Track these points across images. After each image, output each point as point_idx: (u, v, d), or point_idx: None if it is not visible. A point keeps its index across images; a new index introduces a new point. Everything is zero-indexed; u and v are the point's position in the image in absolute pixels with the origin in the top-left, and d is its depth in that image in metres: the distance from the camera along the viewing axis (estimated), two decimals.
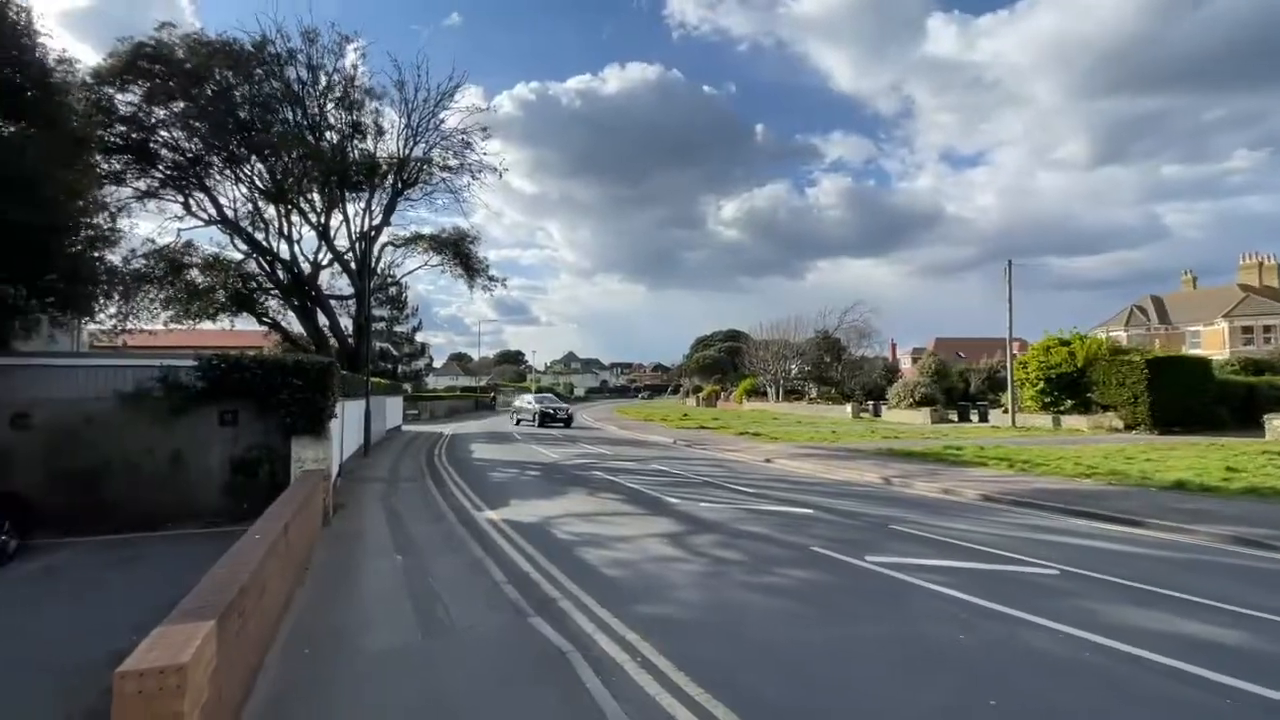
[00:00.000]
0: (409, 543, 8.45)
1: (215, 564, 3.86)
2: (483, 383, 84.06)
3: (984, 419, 32.64)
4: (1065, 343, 27.98)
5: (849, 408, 39.96)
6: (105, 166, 17.00)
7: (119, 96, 17.63)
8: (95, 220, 12.14)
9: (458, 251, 25.53)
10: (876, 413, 38.95)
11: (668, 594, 6.24)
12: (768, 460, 17.62)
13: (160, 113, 18.21)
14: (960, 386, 41.34)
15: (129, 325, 19.27)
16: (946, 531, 8.80)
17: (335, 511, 10.11)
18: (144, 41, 17.44)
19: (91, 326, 17.62)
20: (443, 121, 22.73)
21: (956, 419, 34.00)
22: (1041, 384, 28.10)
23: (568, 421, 32.56)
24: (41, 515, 8.43)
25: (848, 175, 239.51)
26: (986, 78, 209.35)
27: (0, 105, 9.68)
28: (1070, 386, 27.15)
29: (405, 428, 32.93)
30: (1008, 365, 30.95)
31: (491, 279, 26.73)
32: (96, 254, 12.09)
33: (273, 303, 23.68)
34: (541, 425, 31.70)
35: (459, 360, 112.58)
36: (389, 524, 9.71)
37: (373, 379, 21.36)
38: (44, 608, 6.14)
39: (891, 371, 50.91)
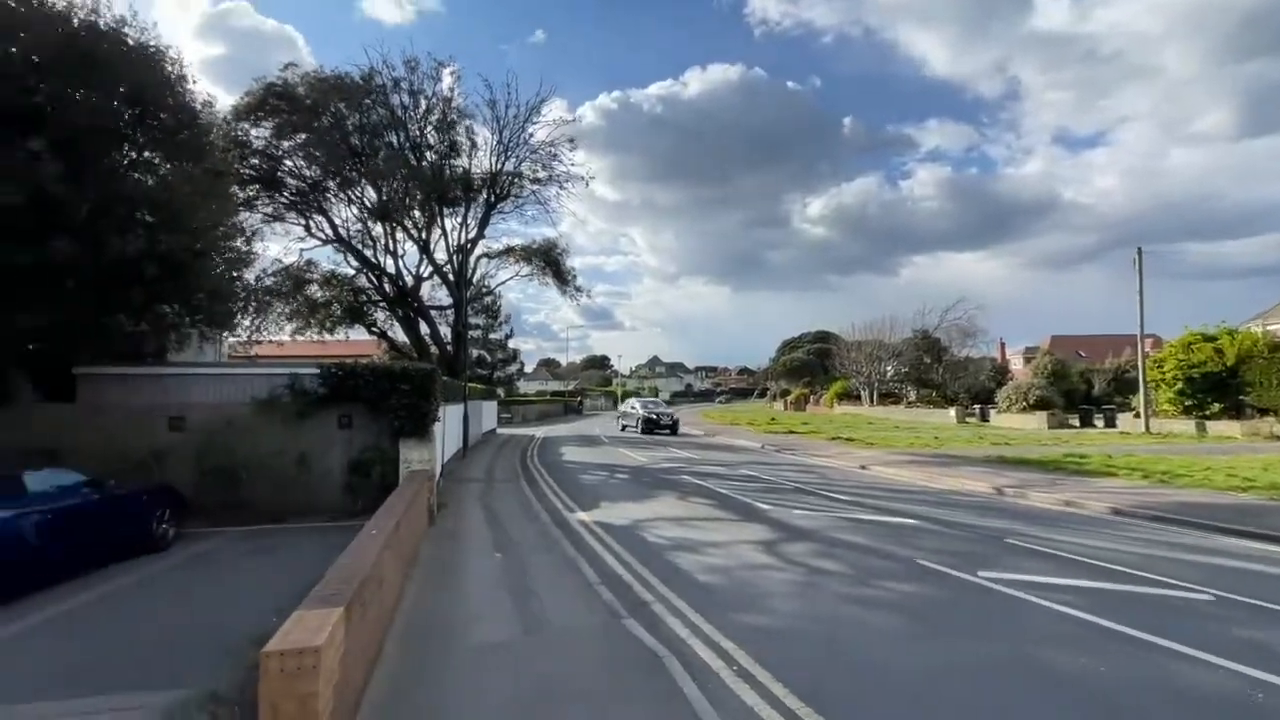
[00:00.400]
0: (507, 541, 8.78)
1: (340, 556, 4.17)
2: (570, 387, 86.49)
3: (1110, 424, 29.67)
4: (1211, 338, 24.90)
5: (952, 412, 37.56)
6: (241, 194, 18.98)
7: (253, 131, 19.68)
8: (233, 244, 13.56)
9: (547, 260, 26.37)
10: (984, 417, 36.36)
11: (763, 602, 6.09)
12: (863, 467, 16.86)
13: (286, 144, 20.14)
14: (1081, 388, 37.87)
15: (260, 337, 21.39)
16: (1072, 547, 8.02)
17: (439, 510, 10.69)
18: (273, 82, 19.38)
19: (230, 339, 19.71)
20: (531, 135, 23.61)
21: (1078, 424, 31.13)
22: (1181, 385, 25.17)
23: (673, 428, 30.44)
24: (193, 507, 9.47)
25: (946, 165, 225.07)
26: (1104, 50, 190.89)
27: (161, 146, 11.04)
28: (1217, 387, 24.13)
29: (499, 430, 34.39)
30: (1139, 364, 27.88)
31: (578, 289, 27.43)
32: (235, 274, 13.48)
33: (380, 314, 25.47)
34: (646, 431, 29.87)
35: (548, 365, 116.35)
36: (488, 523, 10.15)
37: (469, 384, 22.49)
38: (197, 589, 6.89)
39: (1000, 373, 47.43)
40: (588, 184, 24.85)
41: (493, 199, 23.83)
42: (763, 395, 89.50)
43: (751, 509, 10.93)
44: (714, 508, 11.20)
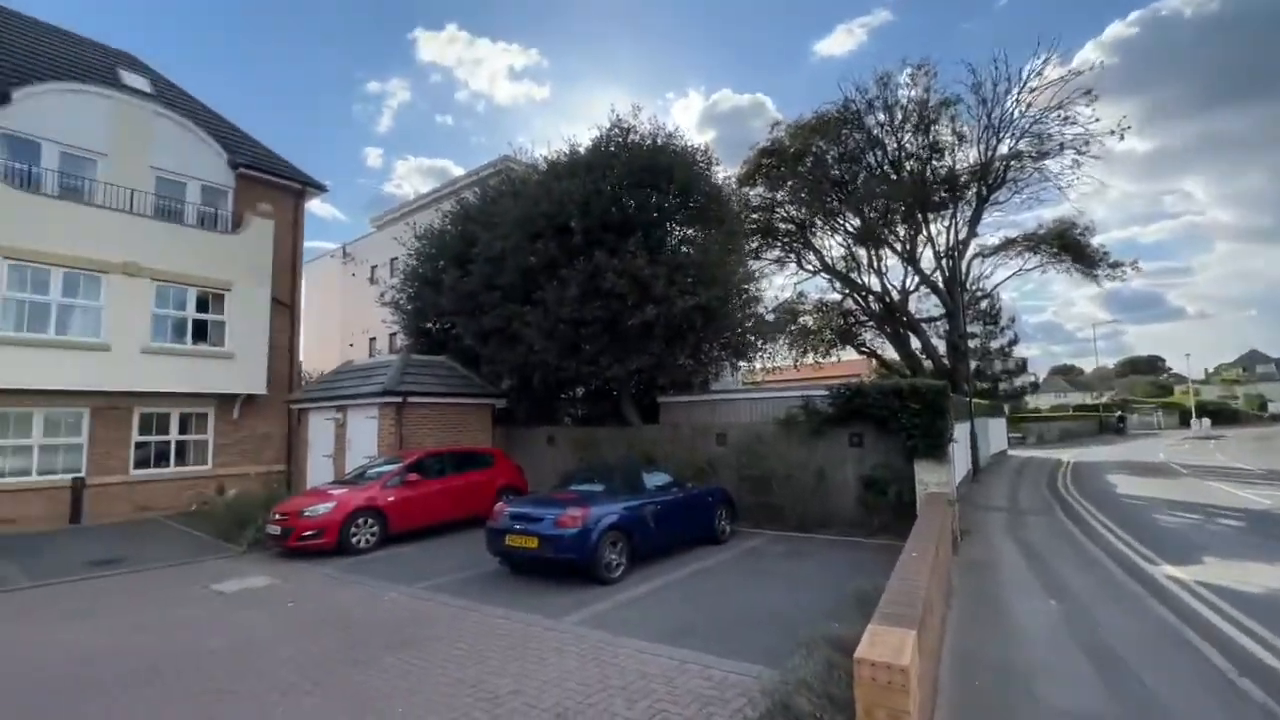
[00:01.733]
0: (1059, 587, 7.29)
1: (890, 576, 4.17)
2: (1103, 399, 68.57)
3: None
4: None
5: None
6: (748, 247, 22.52)
7: (751, 192, 23.21)
8: (746, 288, 16.15)
9: (1064, 245, 21.88)
10: None
11: None
12: None
13: (777, 195, 22.96)
14: None
15: (768, 364, 24.62)
16: None
17: (961, 537, 9.81)
18: (765, 146, 22.51)
19: (744, 366, 23.39)
20: (1029, 106, 20.17)
21: None
22: None
23: None
24: (739, 509, 11.34)
25: None
26: None
27: (697, 221, 14.11)
28: None
29: (1010, 452, 29.90)
30: None
31: (1115, 265, 21.73)
32: (750, 313, 15.99)
33: (867, 334, 25.91)
34: None
35: (1063, 373, 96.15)
36: (1025, 560, 8.71)
37: (973, 399, 20.31)
38: (752, 580, 8.05)
39: None
40: (1122, 136, 19.50)
41: (984, 191, 21.34)
42: None
43: None
44: None
